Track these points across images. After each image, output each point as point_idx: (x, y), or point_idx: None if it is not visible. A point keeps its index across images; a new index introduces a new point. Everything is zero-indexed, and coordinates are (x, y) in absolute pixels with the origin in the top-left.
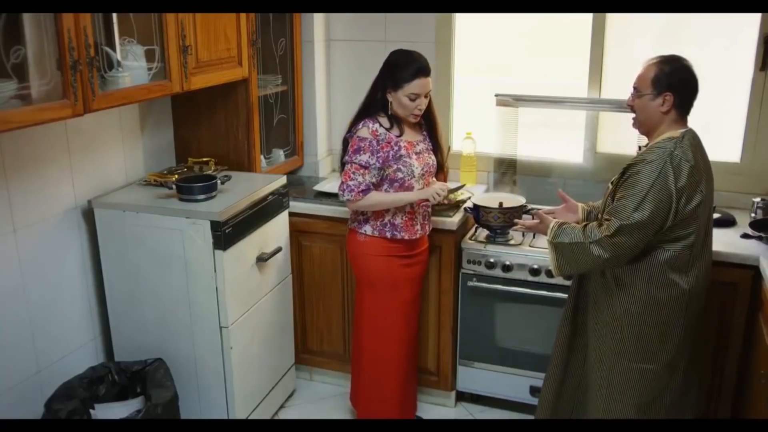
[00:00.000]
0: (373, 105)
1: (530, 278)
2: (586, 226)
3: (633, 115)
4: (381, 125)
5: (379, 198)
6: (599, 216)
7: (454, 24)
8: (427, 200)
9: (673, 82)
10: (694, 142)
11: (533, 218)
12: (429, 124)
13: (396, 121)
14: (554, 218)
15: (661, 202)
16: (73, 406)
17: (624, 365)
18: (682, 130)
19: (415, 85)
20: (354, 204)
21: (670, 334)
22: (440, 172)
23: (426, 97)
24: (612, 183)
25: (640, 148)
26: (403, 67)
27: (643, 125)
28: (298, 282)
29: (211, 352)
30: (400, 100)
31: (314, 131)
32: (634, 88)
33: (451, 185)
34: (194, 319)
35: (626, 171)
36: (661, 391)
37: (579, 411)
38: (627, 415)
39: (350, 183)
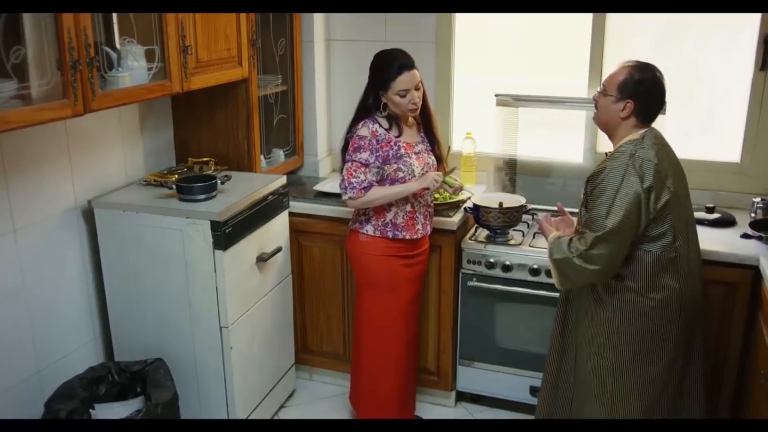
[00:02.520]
0: (366, 110)
1: (530, 278)
2: (571, 240)
3: (595, 111)
4: (380, 125)
5: (380, 192)
6: (578, 228)
7: (454, 24)
8: (427, 188)
9: (638, 91)
10: (656, 141)
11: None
12: (424, 118)
13: (395, 122)
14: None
15: (631, 205)
16: (73, 406)
17: (625, 372)
18: (642, 131)
19: (400, 81)
20: (356, 201)
21: (667, 335)
22: (440, 165)
23: (418, 89)
24: (583, 194)
25: (607, 154)
26: (386, 67)
27: (602, 124)
28: (298, 282)
29: (211, 352)
30: (392, 99)
31: (314, 131)
32: (602, 85)
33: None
34: (194, 319)
35: (591, 181)
36: (662, 392)
37: (575, 417)
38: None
39: (352, 180)
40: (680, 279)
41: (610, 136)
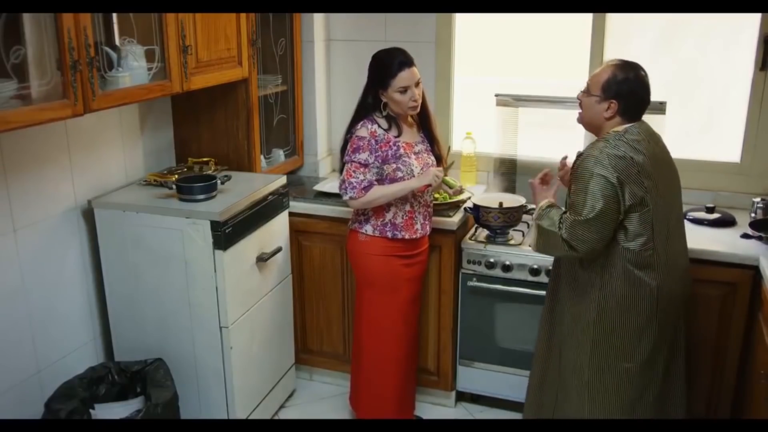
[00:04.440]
0: (364, 110)
1: (530, 278)
2: (563, 216)
3: (579, 110)
4: (379, 126)
5: (381, 191)
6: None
7: (454, 24)
8: (429, 185)
9: (621, 91)
10: (640, 137)
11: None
12: (423, 117)
13: (394, 122)
14: (549, 188)
15: (605, 190)
16: (73, 406)
17: (602, 367)
18: (627, 125)
19: (401, 78)
20: (357, 201)
21: (644, 331)
22: (439, 165)
23: (417, 86)
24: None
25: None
26: (386, 65)
27: (586, 124)
28: (298, 282)
29: (211, 352)
30: (393, 97)
31: (314, 131)
32: (587, 84)
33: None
34: (194, 319)
35: (573, 164)
36: (643, 391)
37: (559, 414)
38: (612, 417)
39: (352, 180)
40: (657, 277)
41: (596, 134)
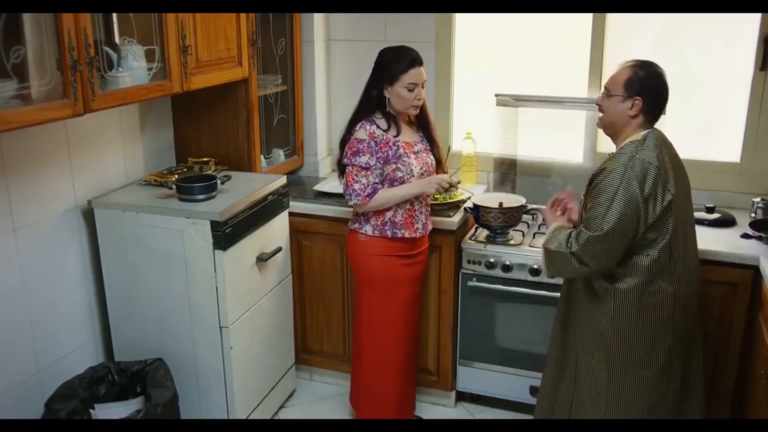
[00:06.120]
0: (368, 105)
1: (530, 278)
2: (570, 234)
3: (600, 114)
4: (378, 127)
5: (387, 195)
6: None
7: (454, 24)
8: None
9: (645, 88)
10: (658, 142)
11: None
12: (423, 122)
13: (393, 121)
14: (562, 214)
15: (627, 208)
16: (73, 406)
17: (618, 375)
18: (644, 132)
19: (411, 75)
20: (363, 207)
21: (661, 338)
22: (439, 167)
23: (423, 87)
24: (583, 195)
25: (610, 155)
26: (397, 60)
27: (609, 127)
28: (298, 282)
29: (211, 352)
30: (399, 92)
31: (314, 131)
32: (605, 87)
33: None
34: (194, 319)
35: (592, 181)
36: (660, 397)
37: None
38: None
39: (356, 186)
40: (673, 282)
41: (615, 138)
